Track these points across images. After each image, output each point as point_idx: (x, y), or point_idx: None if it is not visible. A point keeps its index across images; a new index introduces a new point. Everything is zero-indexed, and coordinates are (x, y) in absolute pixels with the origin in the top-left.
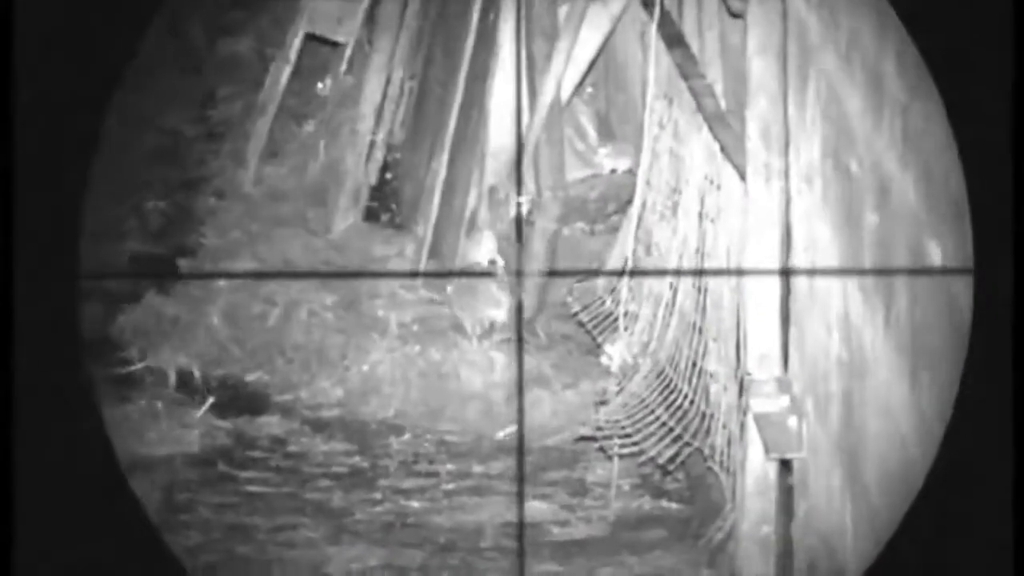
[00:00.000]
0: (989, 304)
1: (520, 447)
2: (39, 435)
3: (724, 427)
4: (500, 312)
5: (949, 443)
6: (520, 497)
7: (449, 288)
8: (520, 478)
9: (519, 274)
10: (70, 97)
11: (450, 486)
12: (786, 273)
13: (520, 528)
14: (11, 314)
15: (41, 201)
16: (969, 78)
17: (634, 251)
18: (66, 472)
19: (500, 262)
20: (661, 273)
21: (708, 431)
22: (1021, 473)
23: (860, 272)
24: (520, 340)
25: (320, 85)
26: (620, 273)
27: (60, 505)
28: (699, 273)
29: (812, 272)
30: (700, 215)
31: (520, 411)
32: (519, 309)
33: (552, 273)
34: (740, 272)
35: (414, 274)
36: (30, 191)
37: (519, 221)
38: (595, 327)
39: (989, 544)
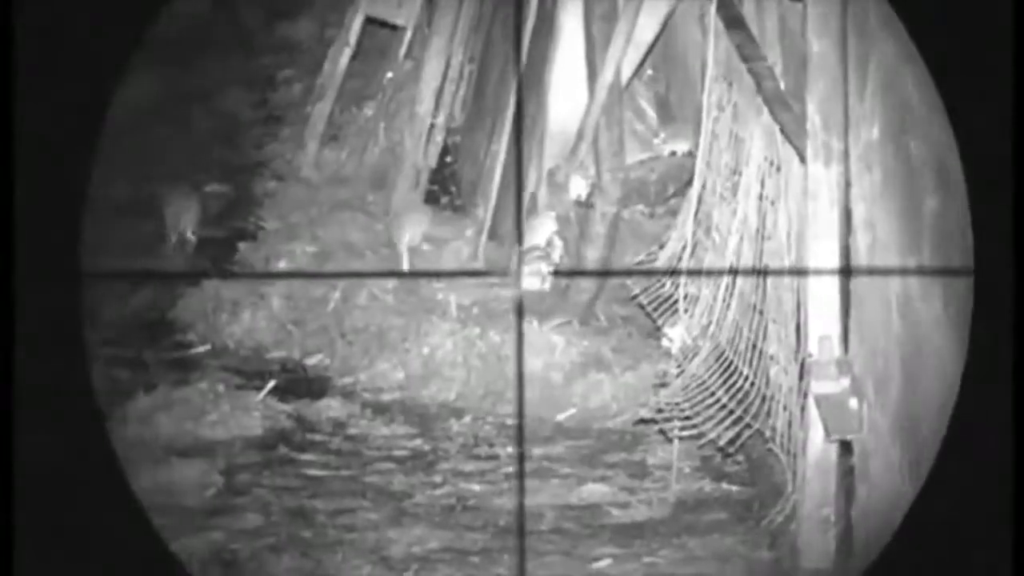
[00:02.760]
0: (989, 304)
1: (520, 436)
2: (39, 435)
3: (784, 409)
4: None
5: (949, 442)
6: (521, 493)
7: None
8: (520, 473)
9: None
10: (70, 97)
11: (510, 469)
12: (758, 273)
13: (520, 522)
14: (11, 314)
15: (42, 201)
16: (969, 78)
17: (694, 233)
18: (66, 472)
19: (559, 244)
20: (716, 273)
21: (769, 413)
22: (1021, 473)
23: (861, 272)
24: (520, 336)
25: (388, 75)
26: (668, 272)
27: (60, 505)
28: (756, 273)
29: (799, 273)
30: (760, 197)
31: (520, 403)
32: (519, 305)
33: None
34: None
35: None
36: (30, 191)
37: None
38: (655, 309)
39: (989, 544)
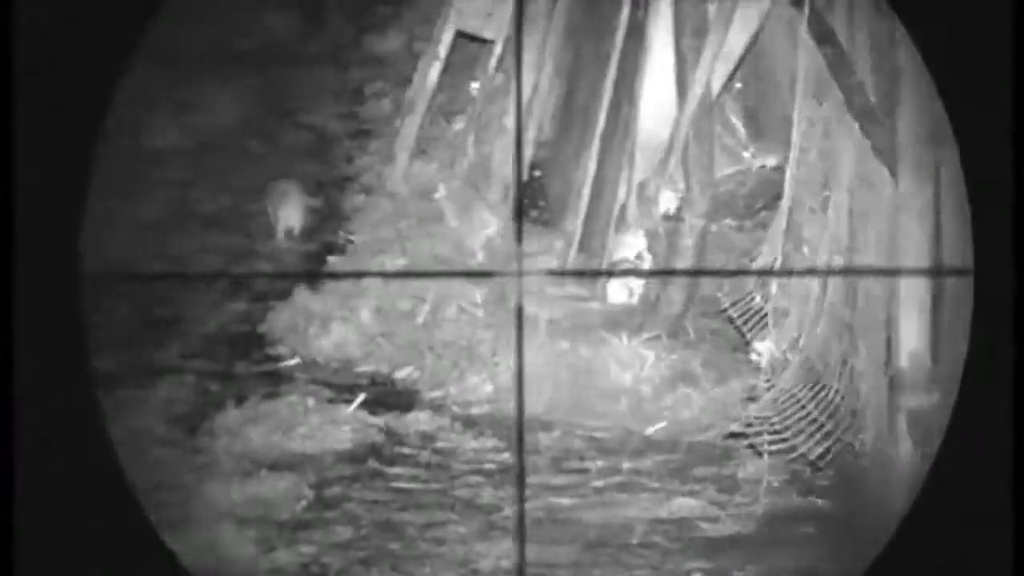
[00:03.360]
0: (989, 304)
1: (519, 446)
2: (40, 435)
3: (874, 423)
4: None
5: (949, 443)
6: (520, 502)
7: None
8: (520, 473)
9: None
10: (71, 98)
11: (599, 482)
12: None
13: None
14: (11, 314)
15: (43, 200)
16: (969, 79)
17: (784, 248)
18: (67, 472)
19: (648, 258)
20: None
21: (858, 427)
22: (1021, 473)
23: (855, 272)
24: (520, 336)
25: (474, 85)
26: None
27: (61, 504)
28: (848, 273)
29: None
30: (850, 212)
31: (520, 409)
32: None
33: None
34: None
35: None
36: (31, 191)
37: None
38: (745, 323)
39: (989, 543)
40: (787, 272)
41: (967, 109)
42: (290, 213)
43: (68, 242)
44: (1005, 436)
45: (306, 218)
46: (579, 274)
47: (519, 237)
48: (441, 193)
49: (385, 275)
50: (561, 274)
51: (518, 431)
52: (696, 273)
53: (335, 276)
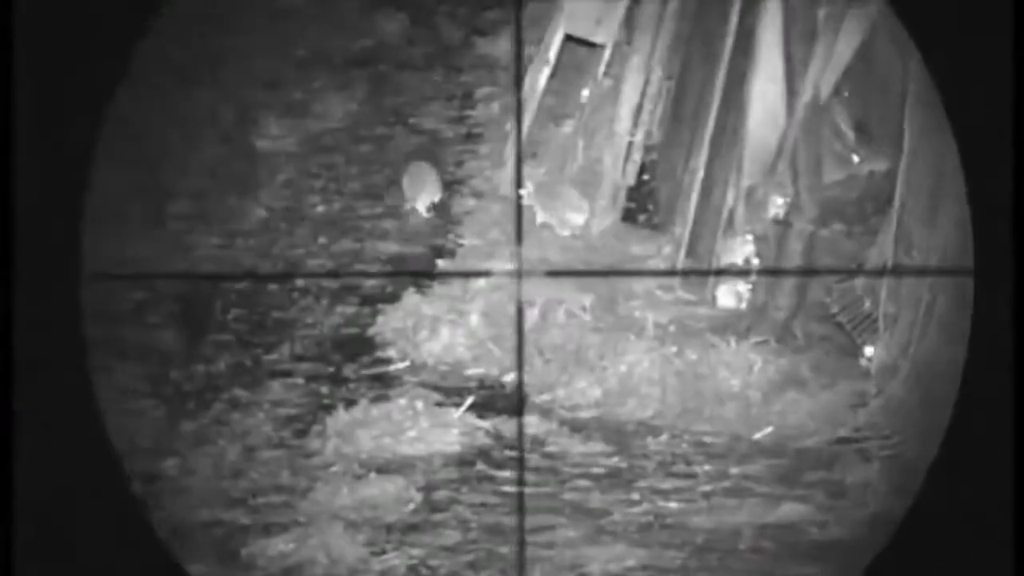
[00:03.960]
0: (989, 304)
1: (520, 443)
2: (40, 435)
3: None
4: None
5: (949, 443)
6: (521, 499)
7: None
8: (520, 475)
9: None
10: (71, 98)
11: (708, 487)
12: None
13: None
14: (11, 314)
15: (43, 201)
16: (969, 79)
17: (894, 252)
18: (66, 471)
19: (756, 263)
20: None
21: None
22: (1021, 472)
23: (855, 272)
24: (521, 341)
25: (585, 93)
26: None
27: (60, 504)
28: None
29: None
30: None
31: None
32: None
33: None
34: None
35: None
36: (31, 191)
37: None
38: (854, 328)
39: (989, 543)
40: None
41: (967, 109)
42: (431, 189)
43: (68, 242)
44: (1005, 436)
45: (443, 192)
46: (579, 274)
47: (519, 237)
48: (528, 190)
49: (385, 275)
50: (563, 274)
51: (518, 431)
52: (799, 273)
53: (336, 276)
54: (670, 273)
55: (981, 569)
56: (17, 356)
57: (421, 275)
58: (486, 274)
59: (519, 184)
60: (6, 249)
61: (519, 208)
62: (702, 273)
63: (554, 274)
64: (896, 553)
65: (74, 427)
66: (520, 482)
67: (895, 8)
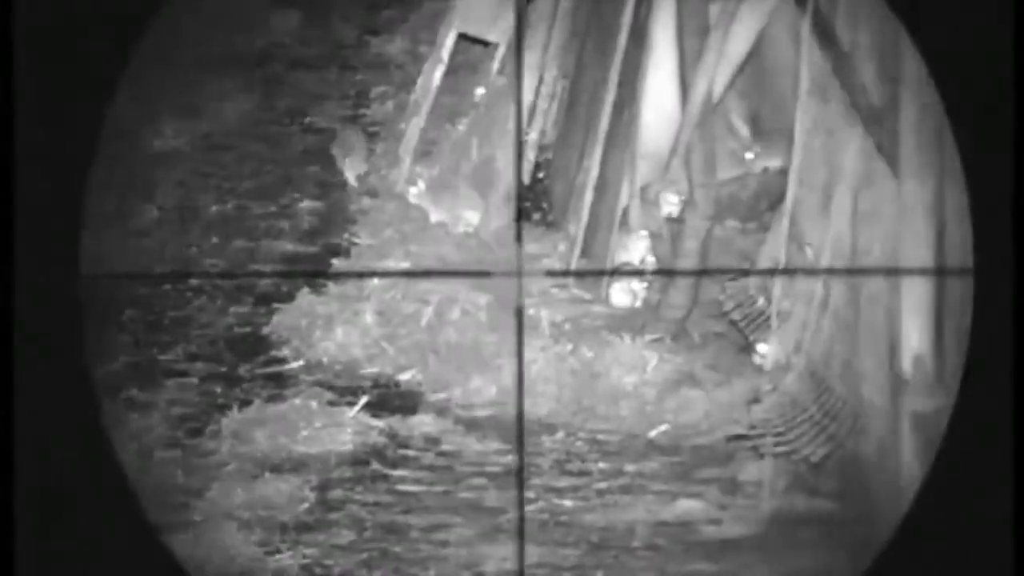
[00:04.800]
0: (989, 304)
1: (520, 440)
2: (39, 435)
3: (877, 427)
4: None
5: (949, 443)
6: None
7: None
8: (520, 479)
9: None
10: (71, 98)
11: (602, 485)
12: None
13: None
14: (11, 314)
15: (43, 201)
16: (969, 79)
17: (786, 250)
18: (66, 472)
19: (651, 261)
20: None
21: (861, 430)
22: (1021, 473)
23: (853, 272)
24: (520, 342)
25: (480, 91)
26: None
27: (60, 504)
28: (849, 272)
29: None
30: (853, 214)
31: (520, 407)
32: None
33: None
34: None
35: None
36: (31, 191)
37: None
38: (748, 325)
39: (989, 544)
40: (791, 271)
41: (967, 109)
42: (357, 160)
43: (68, 242)
44: (1005, 436)
45: (370, 163)
46: (580, 274)
47: (519, 237)
48: (419, 189)
49: (387, 274)
50: (563, 274)
51: (519, 432)
52: (697, 273)
53: (340, 276)
54: (672, 273)
55: (981, 569)
56: (17, 356)
57: (420, 275)
58: (486, 274)
59: (519, 186)
60: (6, 249)
61: (519, 209)
62: (669, 273)
63: (553, 274)
64: (896, 553)
65: (74, 427)
66: (520, 480)
67: (893, 6)
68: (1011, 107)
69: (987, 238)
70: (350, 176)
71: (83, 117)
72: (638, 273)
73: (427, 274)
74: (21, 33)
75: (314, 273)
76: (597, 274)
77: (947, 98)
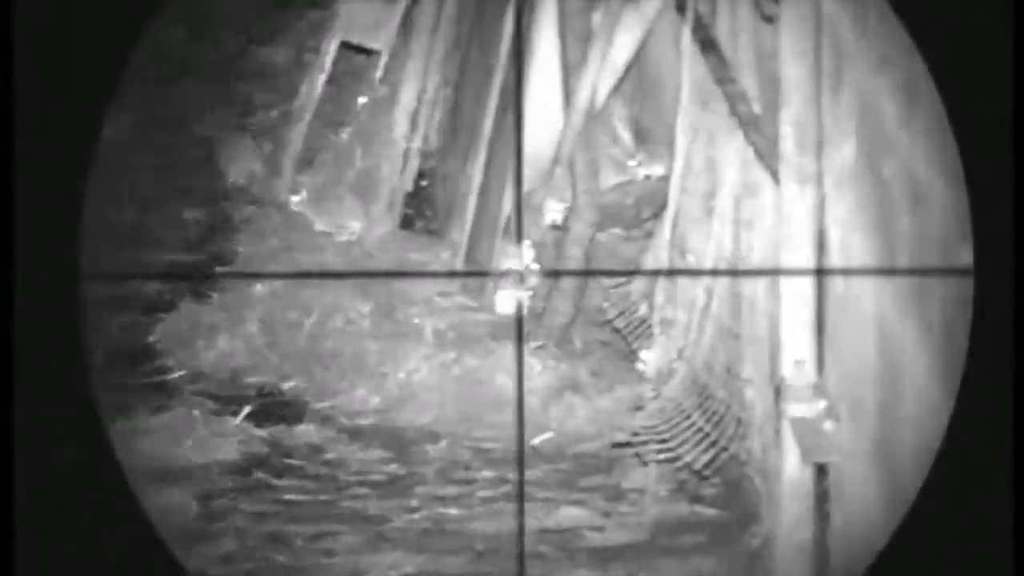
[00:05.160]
0: (989, 304)
1: (521, 458)
2: (39, 435)
3: (760, 432)
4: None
5: (949, 443)
6: (520, 498)
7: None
8: (521, 495)
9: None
10: (70, 97)
11: (487, 493)
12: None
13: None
14: (11, 314)
15: (41, 201)
16: (969, 78)
17: (669, 257)
18: (67, 475)
19: (536, 268)
20: (691, 274)
21: (744, 436)
22: (1021, 473)
23: (854, 272)
24: (520, 343)
25: (363, 100)
26: (629, 273)
27: (61, 507)
28: (733, 273)
29: (802, 272)
30: (735, 220)
31: (520, 420)
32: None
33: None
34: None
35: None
36: (30, 191)
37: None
38: (630, 333)
39: (989, 545)
40: (693, 272)
41: (967, 109)
42: (243, 165)
43: (68, 242)
44: (1005, 437)
45: (259, 166)
46: (579, 274)
47: (519, 238)
48: (302, 198)
49: (388, 274)
50: (561, 274)
51: (519, 450)
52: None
53: (339, 276)
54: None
55: (981, 569)
56: (17, 356)
57: (414, 275)
58: (483, 274)
59: (519, 187)
60: (6, 249)
61: (519, 209)
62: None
63: (552, 274)
64: (896, 554)
65: (74, 427)
66: (521, 494)
67: (893, 5)
68: (1011, 107)
69: (987, 238)
70: (235, 180)
71: (83, 117)
72: (629, 274)
73: (407, 275)
74: (21, 33)
75: (322, 273)
76: (590, 274)
77: (947, 98)
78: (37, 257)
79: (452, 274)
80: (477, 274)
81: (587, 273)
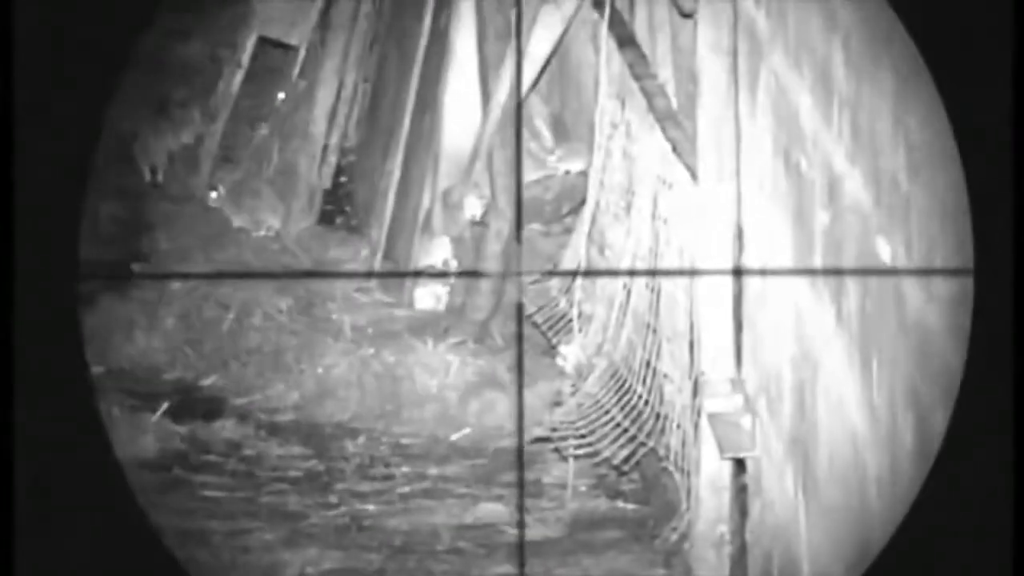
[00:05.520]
0: (989, 304)
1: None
2: (39, 435)
3: (678, 427)
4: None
5: (949, 443)
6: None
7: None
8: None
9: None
10: (70, 97)
11: (406, 489)
12: (739, 273)
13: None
14: (11, 314)
15: (41, 201)
16: (969, 77)
17: (587, 252)
18: (66, 472)
19: (454, 264)
20: (612, 274)
21: (663, 431)
22: (1021, 473)
23: (854, 272)
24: (520, 345)
25: (281, 96)
26: (549, 273)
27: (60, 505)
28: (652, 274)
29: (816, 272)
30: (653, 215)
31: (520, 424)
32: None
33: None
34: (693, 272)
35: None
36: (30, 191)
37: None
38: (549, 328)
39: (989, 545)
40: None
41: (967, 109)
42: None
43: (68, 242)
44: (1005, 437)
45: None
46: (577, 274)
47: (518, 238)
48: (219, 194)
49: (390, 275)
50: (560, 274)
51: (518, 455)
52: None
53: (341, 276)
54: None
55: (981, 570)
56: (17, 356)
57: (425, 274)
58: (480, 275)
59: (519, 188)
60: (6, 249)
61: (519, 208)
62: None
63: (551, 274)
64: (895, 554)
65: (74, 427)
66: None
67: (894, 5)
68: (1011, 107)
69: (987, 238)
70: (148, 175)
71: (84, 117)
72: (612, 273)
73: (405, 274)
74: (21, 33)
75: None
76: (583, 274)
77: (947, 97)
78: (37, 257)
79: (370, 275)
80: (396, 275)
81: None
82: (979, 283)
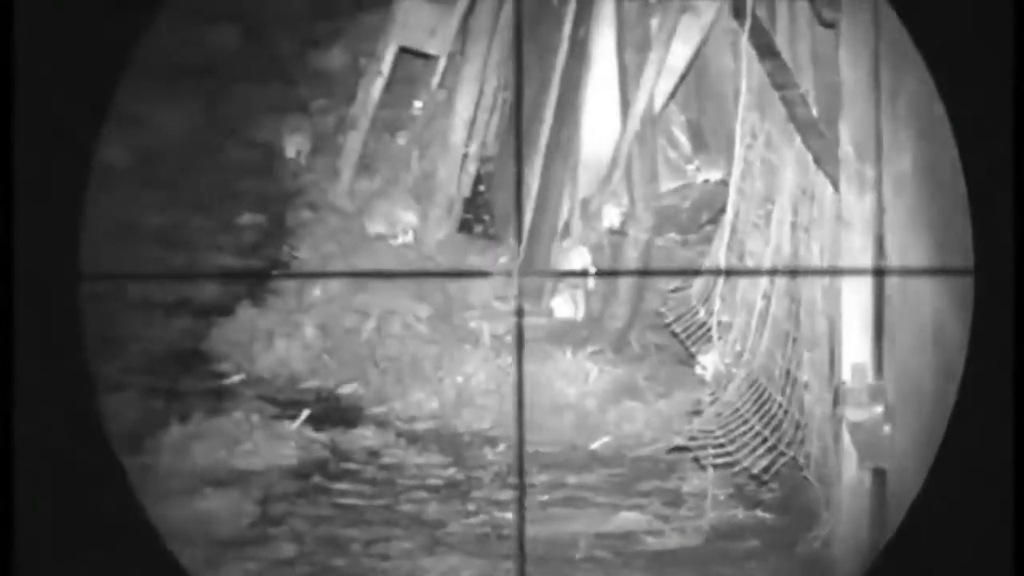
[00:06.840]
0: (989, 304)
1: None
2: (39, 435)
3: (818, 436)
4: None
5: (949, 443)
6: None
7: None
8: (521, 500)
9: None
10: (71, 97)
11: (544, 497)
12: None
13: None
14: (11, 314)
15: (42, 201)
16: (970, 78)
17: (727, 261)
18: (66, 471)
19: (593, 272)
20: (754, 274)
21: (802, 440)
22: (1021, 473)
23: (854, 272)
24: (520, 345)
25: (418, 104)
26: (686, 273)
27: (60, 505)
28: (792, 274)
29: (828, 272)
30: (793, 225)
31: (519, 426)
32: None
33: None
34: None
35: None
36: (30, 191)
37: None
38: (688, 337)
39: (989, 544)
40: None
41: (967, 109)
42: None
43: (68, 242)
44: (1005, 436)
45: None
46: (575, 274)
47: (519, 238)
48: (359, 203)
49: (380, 275)
50: (561, 275)
51: (518, 452)
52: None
53: (345, 275)
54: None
55: (980, 570)
56: (17, 356)
57: (428, 275)
58: (484, 274)
59: (519, 186)
60: (6, 249)
61: (519, 209)
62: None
63: (548, 274)
64: (895, 554)
65: (74, 426)
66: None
67: (895, 6)
68: (1011, 107)
69: (987, 238)
70: (291, 153)
71: (84, 116)
72: (613, 274)
73: (413, 274)
74: (21, 33)
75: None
76: (582, 275)
77: (947, 97)
78: (37, 257)
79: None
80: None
81: (643, 273)
82: (979, 283)
